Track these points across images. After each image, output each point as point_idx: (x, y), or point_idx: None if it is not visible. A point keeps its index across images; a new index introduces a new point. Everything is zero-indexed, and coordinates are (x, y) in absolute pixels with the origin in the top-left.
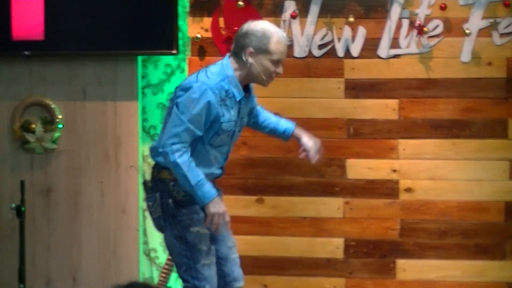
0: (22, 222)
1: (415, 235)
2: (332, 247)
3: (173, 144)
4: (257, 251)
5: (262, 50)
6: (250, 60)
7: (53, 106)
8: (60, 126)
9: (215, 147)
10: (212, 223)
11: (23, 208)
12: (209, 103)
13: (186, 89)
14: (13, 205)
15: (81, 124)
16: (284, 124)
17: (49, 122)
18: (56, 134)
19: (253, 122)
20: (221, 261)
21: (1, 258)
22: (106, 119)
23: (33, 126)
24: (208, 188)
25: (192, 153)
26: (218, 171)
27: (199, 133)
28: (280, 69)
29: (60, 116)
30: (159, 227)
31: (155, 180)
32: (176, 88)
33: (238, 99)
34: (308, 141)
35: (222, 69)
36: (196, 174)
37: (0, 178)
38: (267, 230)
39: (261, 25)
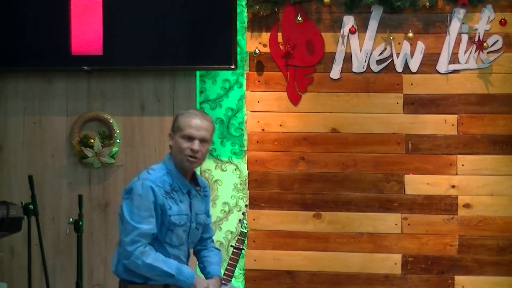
0: (80, 236)
1: (473, 251)
2: (390, 262)
3: (134, 250)
4: (314, 266)
5: (175, 129)
6: (170, 143)
7: (111, 121)
8: (118, 140)
9: (175, 246)
10: None
11: (81, 223)
12: (154, 196)
13: (129, 190)
14: (71, 220)
15: (139, 139)
16: (212, 268)
17: (107, 137)
18: (114, 149)
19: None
20: None
21: (59, 272)
22: (164, 134)
23: (92, 140)
24: (187, 270)
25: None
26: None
27: (155, 230)
28: (195, 146)
29: (118, 131)
30: None
31: None
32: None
33: (185, 191)
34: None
35: (164, 165)
36: (170, 263)
37: (58, 193)
38: (325, 245)
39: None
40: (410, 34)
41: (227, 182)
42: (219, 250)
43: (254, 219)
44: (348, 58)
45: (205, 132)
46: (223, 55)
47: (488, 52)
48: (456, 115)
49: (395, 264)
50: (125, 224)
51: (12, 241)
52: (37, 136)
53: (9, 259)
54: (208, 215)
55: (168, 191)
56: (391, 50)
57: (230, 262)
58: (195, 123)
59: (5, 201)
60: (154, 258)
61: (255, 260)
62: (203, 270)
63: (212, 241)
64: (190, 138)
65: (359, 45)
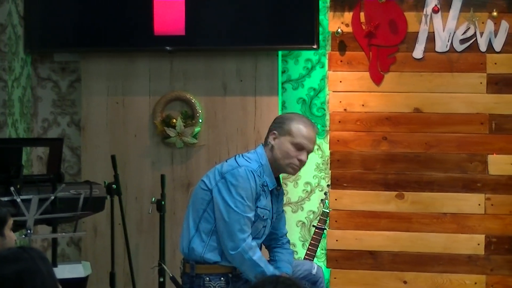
0: (163, 216)
1: None
2: (473, 243)
3: (243, 240)
4: (397, 246)
5: (284, 131)
6: (273, 142)
7: (193, 101)
8: (201, 120)
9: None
10: None
11: (163, 202)
12: (255, 185)
13: (229, 175)
14: (154, 199)
15: (222, 119)
16: (283, 265)
17: (189, 116)
18: (197, 129)
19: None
20: None
21: (142, 251)
22: (246, 114)
23: (174, 120)
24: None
25: None
26: None
27: (253, 217)
28: (303, 157)
29: (200, 111)
30: None
31: (189, 277)
32: (214, 172)
33: (270, 188)
34: None
35: (257, 157)
36: (269, 266)
37: (141, 172)
38: (408, 225)
39: (288, 113)
40: (495, 13)
41: (309, 162)
42: (292, 251)
43: (336, 199)
44: (431, 38)
45: (314, 145)
46: (306, 34)
47: None
48: None
49: (478, 244)
50: (227, 211)
51: (95, 220)
52: (120, 116)
53: (93, 238)
54: (282, 213)
55: (263, 183)
56: (475, 29)
57: (312, 242)
58: (309, 135)
59: (88, 181)
60: (259, 256)
61: (337, 240)
62: (273, 264)
63: (288, 241)
64: (301, 148)
65: (442, 25)
